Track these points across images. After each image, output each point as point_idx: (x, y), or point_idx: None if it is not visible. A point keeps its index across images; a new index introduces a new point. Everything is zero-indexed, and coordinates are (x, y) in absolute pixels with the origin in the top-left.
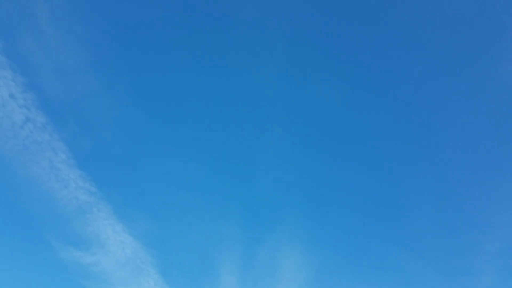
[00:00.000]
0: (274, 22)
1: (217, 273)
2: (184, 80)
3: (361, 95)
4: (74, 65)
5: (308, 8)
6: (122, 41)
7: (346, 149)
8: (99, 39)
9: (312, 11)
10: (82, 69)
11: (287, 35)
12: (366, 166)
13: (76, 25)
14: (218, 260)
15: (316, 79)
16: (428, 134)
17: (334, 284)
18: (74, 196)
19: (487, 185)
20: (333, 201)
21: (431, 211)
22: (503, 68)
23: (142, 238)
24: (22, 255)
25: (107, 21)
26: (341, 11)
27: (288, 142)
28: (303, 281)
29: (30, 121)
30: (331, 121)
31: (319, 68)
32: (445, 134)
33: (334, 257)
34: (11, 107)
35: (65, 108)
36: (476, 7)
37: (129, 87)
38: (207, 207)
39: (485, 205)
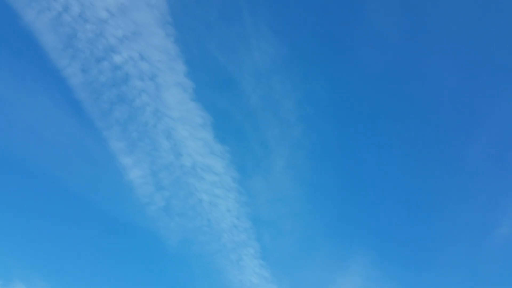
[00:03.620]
0: None
1: None
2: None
3: None
4: (289, 195)
5: None
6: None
7: None
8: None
9: None
10: (296, 197)
11: None
12: None
13: (308, 173)
14: None
15: None
16: None
17: None
18: (248, 279)
19: None
20: None
21: None
22: None
23: None
24: None
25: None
26: None
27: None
28: None
29: (236, 227)
30: None
31: None
32: None
33: None
34: (224, 216)
35: (268, 217)
36: None
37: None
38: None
39: None
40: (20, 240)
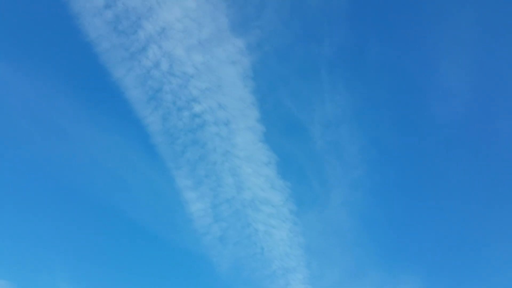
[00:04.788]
0: None
1: None
2: None
3: None
4: (343, 227)
5: None
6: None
7: None
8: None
9: None
10: (348, 230)
11: None
12: None
13: (363, 210)
14: None
15: None
16: None
17: None
18: None
19: None
20: None
21: None
22: None
23: None
24: None
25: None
26: None
27: None
28: None
29: (287, 255)
30: None
31: None
32: None
33: None
34: (277, 245)
35: (319, 246)
36: None
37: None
38: None
39: None
40: (94, 265)
